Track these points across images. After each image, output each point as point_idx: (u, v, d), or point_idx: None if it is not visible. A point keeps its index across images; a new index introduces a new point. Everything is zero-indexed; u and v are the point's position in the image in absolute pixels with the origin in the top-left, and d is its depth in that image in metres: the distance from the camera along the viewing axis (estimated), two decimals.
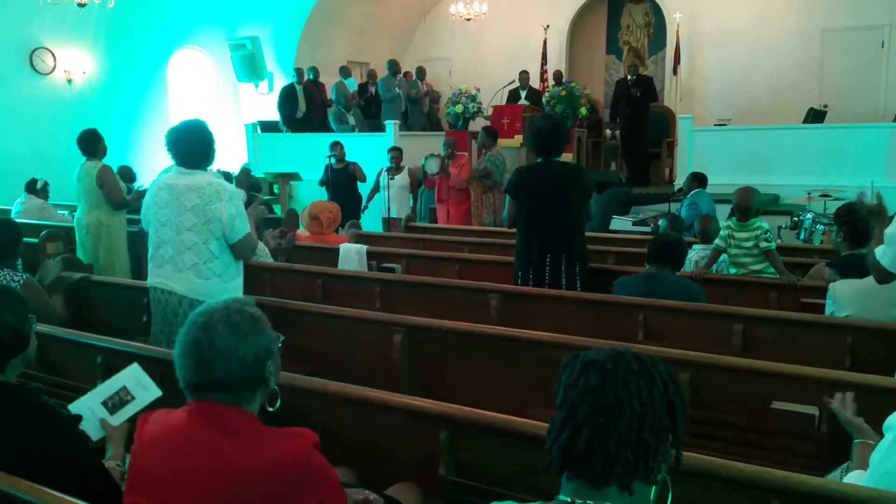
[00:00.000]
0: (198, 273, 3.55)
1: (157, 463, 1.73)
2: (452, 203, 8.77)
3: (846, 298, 3.59)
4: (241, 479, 1.65)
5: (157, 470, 1.73)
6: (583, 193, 4.69)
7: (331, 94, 12.55)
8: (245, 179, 9.02)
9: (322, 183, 9.35)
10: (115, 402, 2.39)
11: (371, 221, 9.26)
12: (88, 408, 2.35)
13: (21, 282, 3.77)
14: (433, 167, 8.69)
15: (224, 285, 3.60)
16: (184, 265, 3.55)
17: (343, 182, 9.24)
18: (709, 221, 5.46)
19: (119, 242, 6.37)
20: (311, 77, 12.56)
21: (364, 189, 9.42)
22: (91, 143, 6.22)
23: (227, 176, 6.56)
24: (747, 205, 4.82)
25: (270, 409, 1.85)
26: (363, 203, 9.43)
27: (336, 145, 9.35)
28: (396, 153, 9.12)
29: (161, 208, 3.59)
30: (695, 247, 5.32)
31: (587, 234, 4.93)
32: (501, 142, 9.80)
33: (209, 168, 3.73)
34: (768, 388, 2.78)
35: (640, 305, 3.91)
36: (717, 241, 4.92)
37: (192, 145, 3.59)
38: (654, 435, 1.31)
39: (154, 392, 2.45)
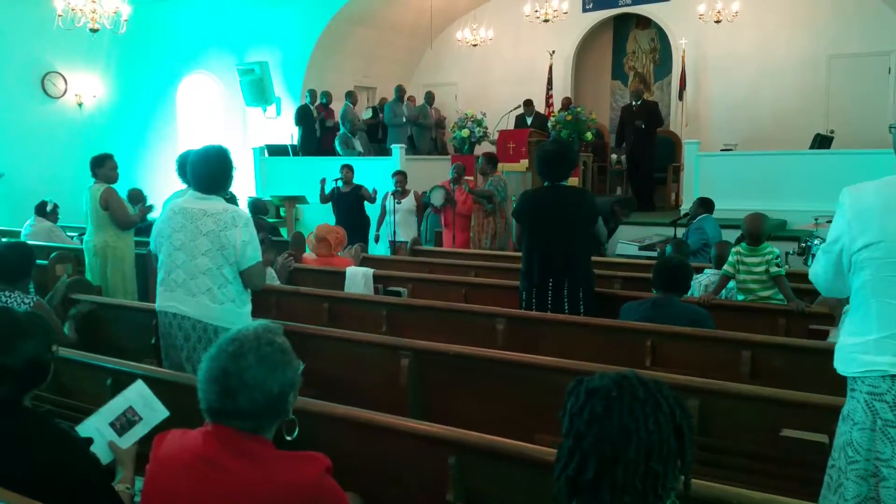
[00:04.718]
0: (212, 298, 3.50)
1: (172, 484, 1.74)
2: (458, 227, 8.77)
3: None
4: (254, 502, 1.66)
5: (172, 491, 1.74)
6: (587, 218, 4.70)
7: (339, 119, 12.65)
8: None
9: (324, 200, 9.37)
10: (123, 424, 2.39)
11: (380, 246, 9.28)
12: (97, 429, 2.34)
13: (32, 303, 3.77)
14: (438, 200, 8.69)
15: (237, 311, 3.57)
16: (198, 289, 3.50)
17: (351, 205, 9.28)
18: (725, 247, 5.41)
19: (127, 264, 6.40)
20: (324, 101, 12.68)
21: (373, 211, 9.44)
22: (93, 166, 6.27)
23: (232, 198, 6.60)
24: (758, 231, 4.80)
25: (289, 439, 1.85)
26: (375, 229, 9.41)
27: (346, 168, 9.36)
28: (401, 177, 9.15)
29: (175, 232, 3.54)
30: (706, 271, 5.32)
31: (594, 258, 4.93)
32: (507, 166, 9.82)
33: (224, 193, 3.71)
34: (777, 415, 2.77)
35: (647, 331, 3.89)
36: (725, 266, 4.89)
37: (211, 171, 3.57)
38: (662, 463, 1.31)
39: (161, 412, 2.45)
